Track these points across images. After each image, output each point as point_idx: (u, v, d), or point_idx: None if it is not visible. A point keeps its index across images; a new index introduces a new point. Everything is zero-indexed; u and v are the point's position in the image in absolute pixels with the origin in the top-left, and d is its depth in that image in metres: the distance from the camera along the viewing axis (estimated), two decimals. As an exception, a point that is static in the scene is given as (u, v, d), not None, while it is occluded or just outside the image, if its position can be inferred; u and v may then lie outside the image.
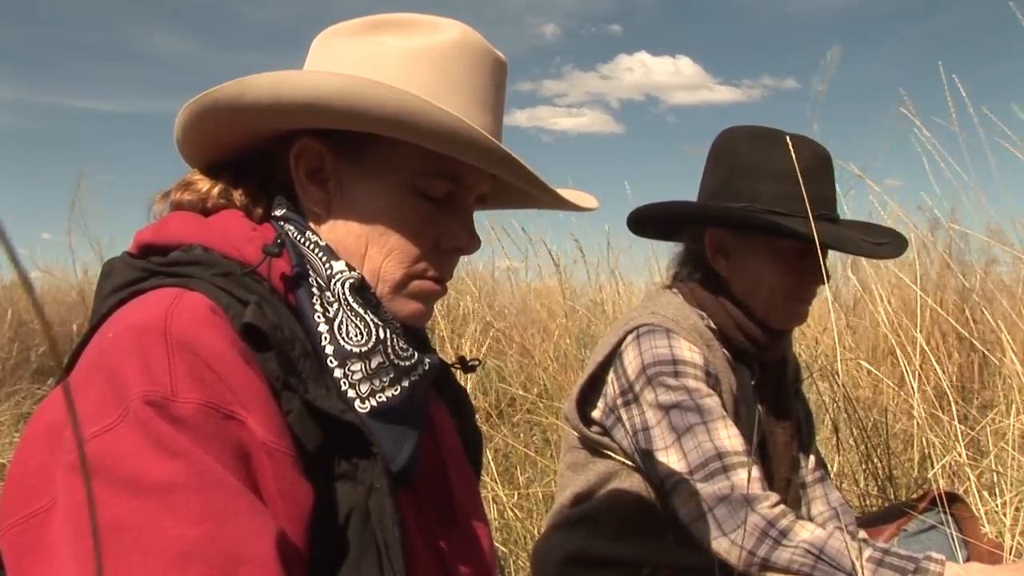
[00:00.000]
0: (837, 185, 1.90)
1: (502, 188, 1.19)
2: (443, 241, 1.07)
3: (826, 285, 1.79)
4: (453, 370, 1.30)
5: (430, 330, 4.69)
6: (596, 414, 1.85)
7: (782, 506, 1.60)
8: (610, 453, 1.83)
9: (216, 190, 1.07)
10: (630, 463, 1.80)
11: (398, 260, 1.05)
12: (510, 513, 3.02)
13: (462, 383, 1.34)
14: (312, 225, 1.06)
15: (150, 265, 0.98)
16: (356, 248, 1.05)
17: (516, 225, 5.55)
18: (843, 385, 3.30)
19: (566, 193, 1.15)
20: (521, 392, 4.35)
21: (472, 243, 1.10)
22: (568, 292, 5.43)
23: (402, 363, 1.03)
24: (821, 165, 1.81)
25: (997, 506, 2.35)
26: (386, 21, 1.08)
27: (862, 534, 1.76)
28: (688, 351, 1.74)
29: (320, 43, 1.11)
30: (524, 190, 1.15)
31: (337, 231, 1.06)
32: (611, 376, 1.81)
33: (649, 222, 2.01)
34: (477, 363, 1.31)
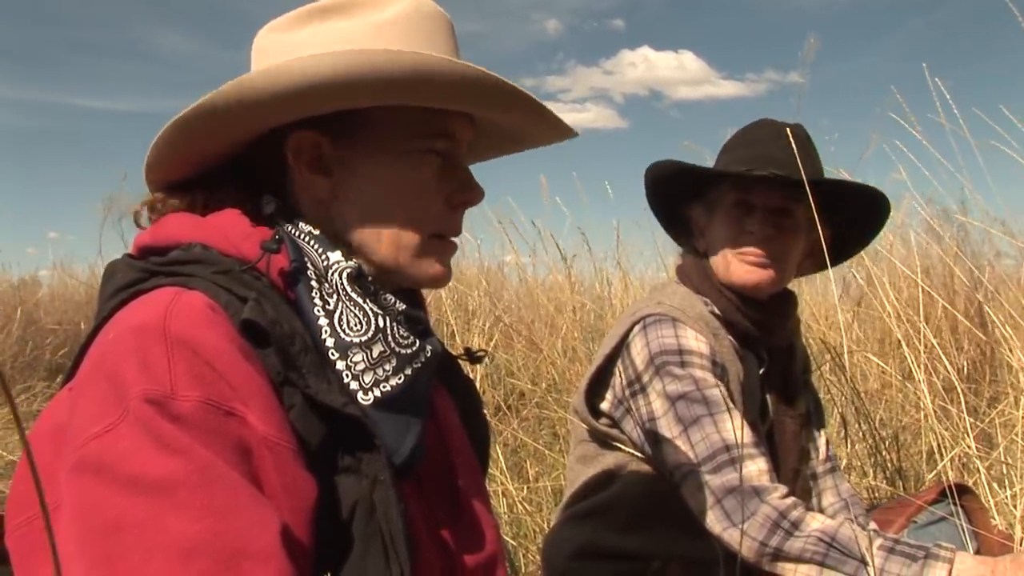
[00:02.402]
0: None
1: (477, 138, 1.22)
2: (452, 198, 1.10)
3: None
4: (460, 362, 1.31)
5: (441, 323, 4.69)
6: (605, 406, 1.86)
7: (792, 497, 1.60)
8: (619, 445, 1.83)
9: (202, 199, 1.07)
10: (639, 455, 1.80)
11: (416, 226, 1.08)
12: (519, 507, 3.03)
13: (470, 376, 1.35)
14: (305, 216, 1.07)
15: (150, 265, 0.99)
16: (371, 226, 1.07)
17: (523, 219, 5.56)
18: (851, 377, 3.30)
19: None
20: (530, 386, 4.35)
21: (478, 194, 1.12)
22: (576, 286, 5.43)
23: (403, 351, 1.04)
24: (777, 133, 1.83)
25: (1007, 497, 2.35)
26: (325, 7, 1.09)
27: (872, 525, 1.76)
28: (695, 340, 1.75)
29: (268, 40, 1.11)
30: (499, 135, 1.21)
31: (347, 215, 1.07)
32: (618, 367, 1.82)
33: (666, 223, 2.05)
34: (484, 353, 1.31)
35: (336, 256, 1.04)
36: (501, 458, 3.16)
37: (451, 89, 1.01)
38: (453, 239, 1.13)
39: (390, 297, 1.07)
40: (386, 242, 1.07)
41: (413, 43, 1.05)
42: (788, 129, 1.81)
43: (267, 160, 1.08)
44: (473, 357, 1.28)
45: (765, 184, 1.78)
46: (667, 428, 1.69)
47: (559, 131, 1.20)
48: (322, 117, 1.04)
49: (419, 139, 1.07)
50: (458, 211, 1.12)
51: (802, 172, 1.70)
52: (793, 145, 1.76)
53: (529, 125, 1.18)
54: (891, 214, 1.96)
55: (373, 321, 1.02)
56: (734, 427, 1.65)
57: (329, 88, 0.97)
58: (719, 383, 1.72)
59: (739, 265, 1.82)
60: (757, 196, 1.81)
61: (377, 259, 1.08)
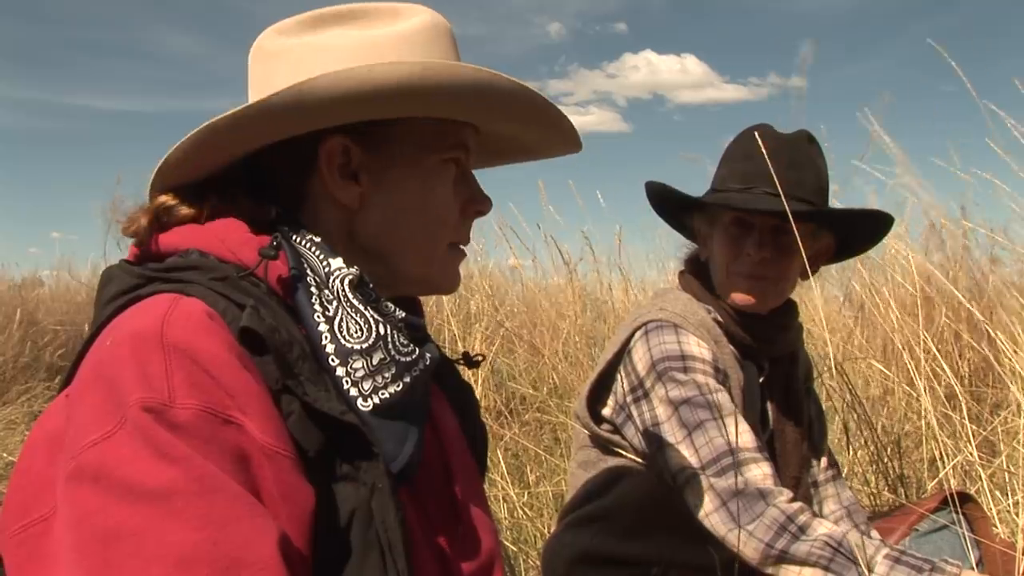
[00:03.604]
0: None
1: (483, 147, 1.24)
2: (466, 208, 1.13)
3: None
4: (458, 366, 1.30)
5: (443, 327, 4.68)
6: (606, 411, 1.86)
7: (799, 502, 1.60)
8: (620, 451, 1.83)
9: (208, 208, 1.05)
10: (641, 461, 1.80)
11: (439, 235, 1.11)
12: (520, 512, 3.02)
13: (469, 380, 1.35)
14: (311, 223, 1.07)
15: (147, 271, 0.99)
16: (396, 235, 1.08)
17: (524, 224, 5.56)
18: (852, 385, 3.29)
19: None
20: (531, 391, 4.35)
21: (489, 204, 1.16)
22: (578, 290, 5.43)
23: (403, 358, 1.03)
24: (777, 147, 1.80)
25: (1009, 506, 2.33)
26: (337, 14, 1.09)
27: (875, 533, 1.76)
28: (697, 346, 1.75)
29: (281, 44, 1.09)
30: (506, 145, 1.23)
31: (372, 223, 1.08)
32: (620, 373, 1.82)
33: (674, 223, 2.05)
34: (481, 358, 1.31)
35: (338, 263, 1.03)
36: (502, 463, 3.16)
37: (501, 104, 1.06)
38: (464, 247, 1.16)
39: (390, 305, 1.07)
40: (410, 251, 1.10)
41: (435, 56, 1.07)
42: (779, 137, 1.81)
43: (286, 164, 1.07)
44: (470, 362, 1.28)
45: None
46: (671, 433, 1.69)
47: (570, 144, 1.23)
48: (353, 124, 1.04)
49: (440, 150, 1.08)
50: (470, 220, 1.15)
51: (801, 190, 1.70)
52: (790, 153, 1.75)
53: (541, 137, 1.20)
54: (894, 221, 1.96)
55: (374, 328, 1.02)
56: (738, 431, 1.65)
57: (395, 95, 0.98)
58: (722, 388, 1.72)
59: (735, 287, 1.83)
60: (755, 216, 1.80)
61: (399, 267, 1.10)
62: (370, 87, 0.97)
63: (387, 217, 1.08)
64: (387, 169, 1.07)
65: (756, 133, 1.85)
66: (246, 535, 0.80)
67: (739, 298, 1.83)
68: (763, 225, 1.80)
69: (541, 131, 1.18)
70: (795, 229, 1.68)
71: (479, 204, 1.14)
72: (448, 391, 1.25)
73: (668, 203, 1.97)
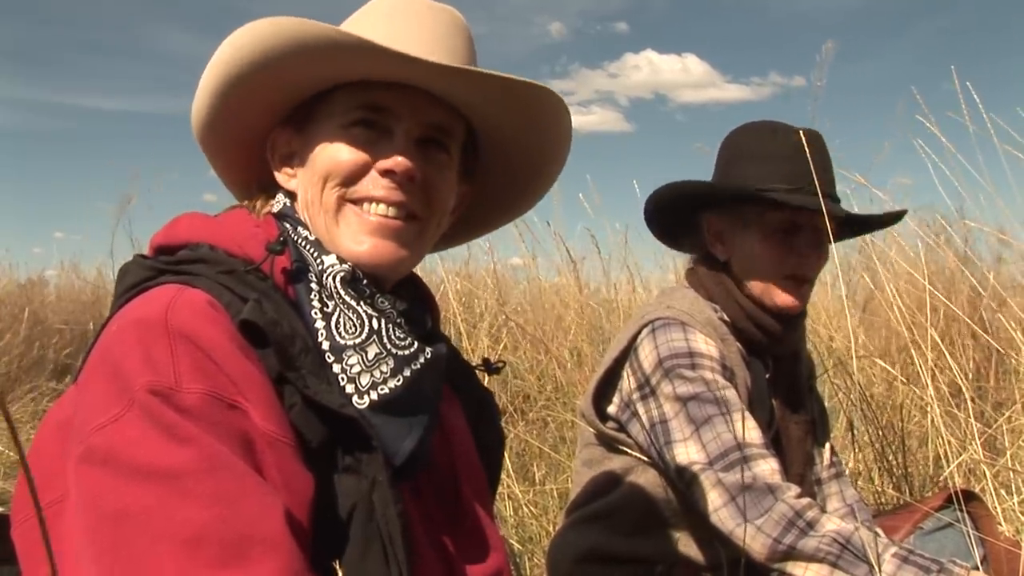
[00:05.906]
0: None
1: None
2: (376, 166, 1.07)
3: (830, 264, 1.83)
4: (478, 372, 1.30)
5: (448, 324, 4.69)
6: (612, 409, 1.86)
7: (807, 498, 1.60)
8: (626, 449, 1.83)
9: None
10: (646, 459, 1.80)
11: (330, 185, 1.07)
12: (525, 510, 3.02)
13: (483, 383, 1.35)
14: (303, 220, 1.11)
15: (159, 264, 1.02)
16: (306, 201, 1.10)
17: (536, 219, 5.54)
18: (858, 382, 3.29)
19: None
20: (536, 389, 4.35)
21: (398, 161, 1.06)
22: (583, 288, 5.43)
23: (400, 352, 1.05)
24: (797, 143, 1.79)
25: (1014, 504, 2.34)
26: None
27: (880, 531, 1.76)
28: (704, 344, 1.75)
29: None
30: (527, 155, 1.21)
31: (302, 197, 1.11)
32: (627, 371, 1.82)
33: (660, 223, 2.03)
34: (502, 365, 1.32)
35: (331, 260, 1.06)
36: (507, 460, 3.16)
37: (318, 51, 1.01)
38: (386, 216, 1.07)
39: (387, 299, 1.08)
40: (312, 211, 1.09)
41: (367, 18, 1.11)
42: (808, 136, 1.80)
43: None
44: (491, 368, 1.29)
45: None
46: (678, 429, 1.69)
47: (523, 98, 1.11)
48: (290, 115, 1.12)
49: (345, 115, 1.08)
50: (385, 178, 1.07)
51: (831, 188, 1.74)
52: (808, 153, 1.76)
53: (507, 113, 1.13)
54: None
55: (367, 323, 1.03)
56: (746, 428, 1.65)
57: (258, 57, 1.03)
58: (730, 385, 1.72)
59: (783, 289, 1.81)
60: (804, 216, 1.79)
61: (317, 234, 1.09)
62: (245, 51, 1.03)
63: (304, 189, 1.11)
64: (307, 146, 1.11)
65: (771, 129, 1.84)
66: (255, 512, 0.82)
67: (785, 301, 1.81)
68: (811, 225, 1.80)
69: (483, 97, 1.10)
70: (831, 231, 1.73)
71: (387, 162, 1.06)
72: (463, 396, 1.26)
73: (683, 201, 1.94)
